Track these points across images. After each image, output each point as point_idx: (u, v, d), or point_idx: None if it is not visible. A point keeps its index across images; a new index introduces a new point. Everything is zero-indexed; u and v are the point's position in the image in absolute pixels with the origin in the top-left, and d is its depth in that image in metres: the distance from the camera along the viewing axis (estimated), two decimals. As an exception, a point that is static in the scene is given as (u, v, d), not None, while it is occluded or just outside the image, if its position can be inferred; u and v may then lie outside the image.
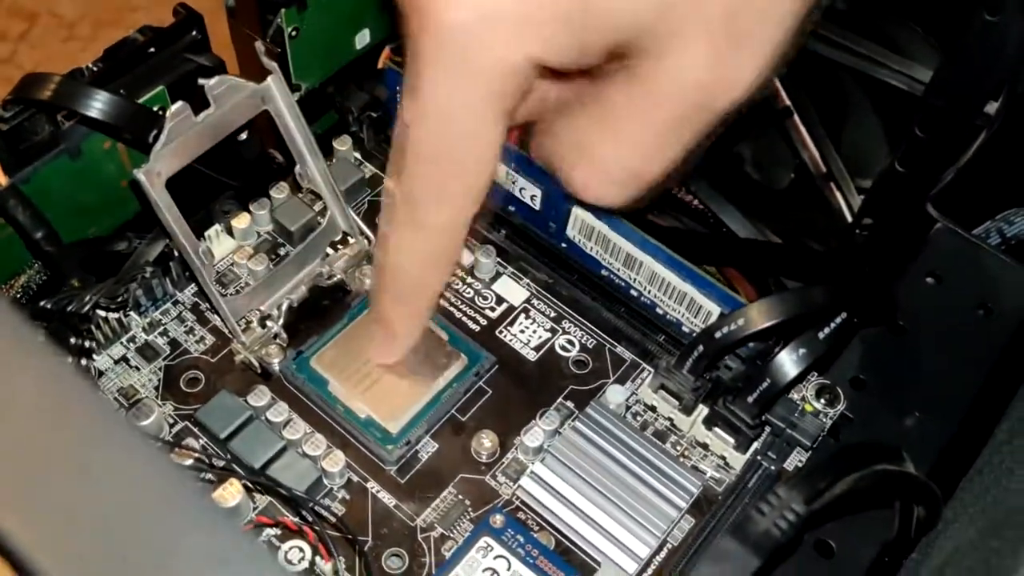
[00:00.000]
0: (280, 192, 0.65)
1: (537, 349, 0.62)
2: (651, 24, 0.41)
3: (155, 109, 0.59)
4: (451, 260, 0.52)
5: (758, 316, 0.53)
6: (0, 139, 0.53)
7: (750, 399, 0.55)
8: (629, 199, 0.51)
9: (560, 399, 0.60)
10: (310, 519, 0.53)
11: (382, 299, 0.54)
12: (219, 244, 0.63)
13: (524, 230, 0.65)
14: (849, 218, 0.76)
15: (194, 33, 0.61)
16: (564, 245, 0.64)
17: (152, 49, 0.60)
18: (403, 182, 0.47)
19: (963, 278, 0.67)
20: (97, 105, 0.52)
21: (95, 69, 0.58)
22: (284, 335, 0.60)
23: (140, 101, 0.58)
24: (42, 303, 0.54)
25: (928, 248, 0.69)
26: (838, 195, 0.75)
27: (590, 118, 0.48)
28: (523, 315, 0.63)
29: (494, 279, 0.64)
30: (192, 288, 0.62)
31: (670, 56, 0.43)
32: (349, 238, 0.65)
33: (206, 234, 0.63)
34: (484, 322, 0.62)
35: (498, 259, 0.65)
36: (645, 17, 0.41)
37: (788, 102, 0.74)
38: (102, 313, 0.58)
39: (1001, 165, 0.68)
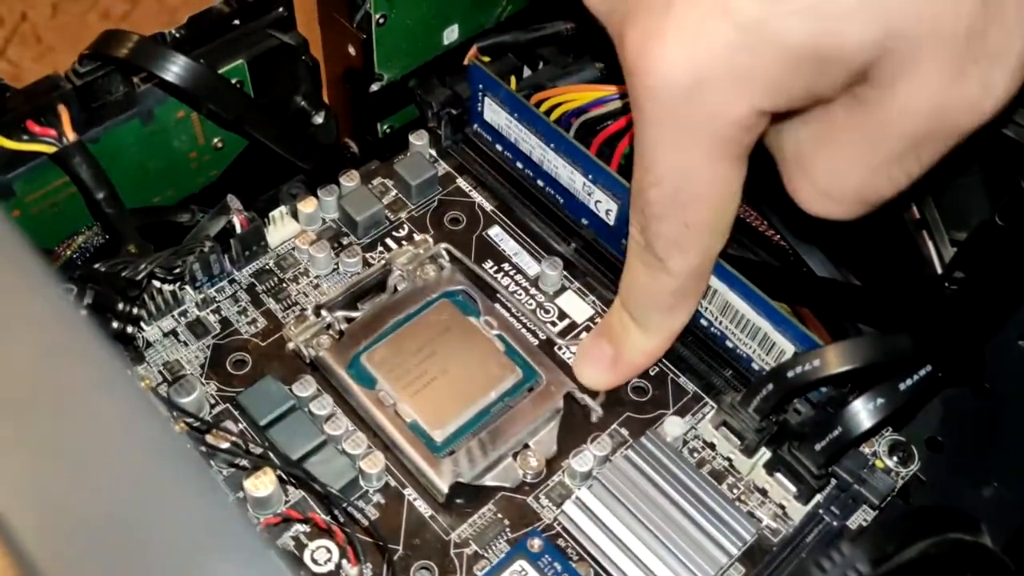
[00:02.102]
0: (350, 180, 0.63)
1: (596, 370, 0.59)
2: (881, 54, 0.39)
3: (233, 82, 0.58)
4: (699, 294, 0.53)
5: (836, 359, 0.50)
6: (73, 93, 0.52)
7: (817, 447, 0.51)
8: (853, 216, 0.48)
9: (615, 425, 0.57)
10: (341, 519, 0.51)
11: (626, 324, 0.54)
12: (283, 226, 0.62)
13: (595, 245, 0.62)
14: (939, 269, 0.72)
15: (280, 9, 0.59)
16: (636, 265, 0.61)
17: (236, 21, 0.58)
18: (648, 239, 0.48)
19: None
20: (175, 70, 0.51)
21: (177, 35, 0.57)
22: (337, 326, 0.58)
23: (220, 71, 0.57)
24: (96, 265, 0.53)
25: (1024, 310, 0.65)
26: (930, 244, 0.71)
27: (812, 134, 0.45)
28: (585, 333, 0.60)
29: (559, 293, 0.62)
30: (250, 269, 0.61)
31: (901, 82, 0.40)
32: (415, 235, 0.63)
33: (271, 215, 0.61)
34: (543, 336, 0.60)
35: (565, 272, 0.62)
36: (874, 50, 0.39)
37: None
38: (156, 284, 0.56)
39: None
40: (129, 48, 0.51)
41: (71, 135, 0.52)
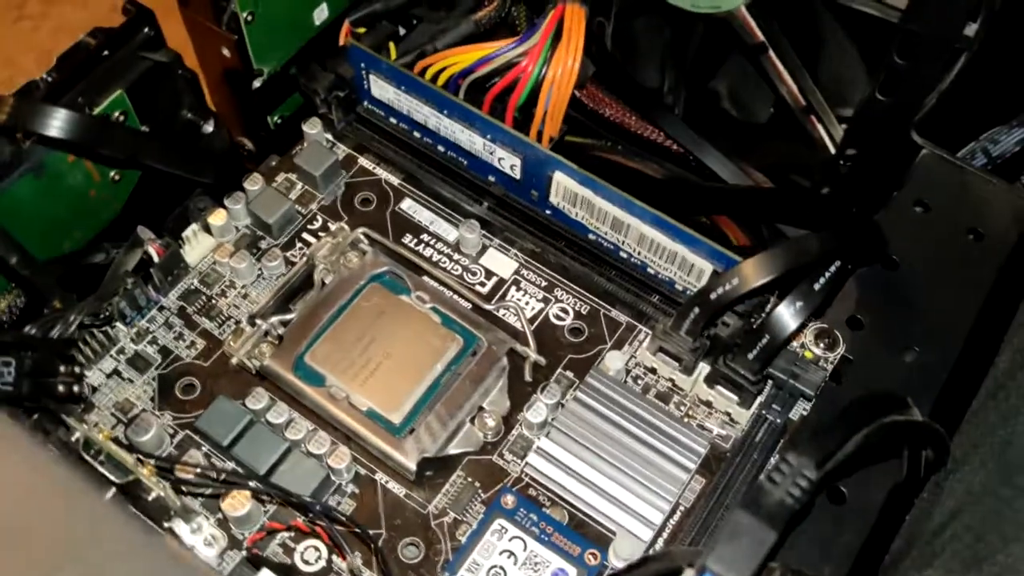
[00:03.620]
0: (254, 184, 0.63)
1: (531, 321, 0.61)
2: None
3: (116, 115, 0.57)
4: None
5: (752, 274, 0.53)
6: (-40, 167, 0.51)
7: (750, 356, 0.55)
8: None
9: (560, 370, 0.59)
10: (321, 520, 0.53)
11: None
12: (199, 243, 0.62)
13: (507, 200, 0.64)
14: (832, 150, 0.75)
15: (147, 30, 0.58)
16: (548, 212, 0.62)
17: (106, 52, 0.57)
18: None
19: (951, 204, 0.67)
20: (56, 124, 0.50)
21: (50, 79, 0.56)
22: (275, 332, 0.59)
23: (99, 108, 0.57)
24: (27, 328, 0.53)
25: (914, 176, 0.68)
26: (819, 127, 0.74)
27: None
28: (514, 287, 0.62)
29: (481, 253, 0.63)
30: (176, 292, 0.61)
31: None
32: (330, 225, 0.63)
33: (184, 235, 0.61)
34: (476, 298, 0.62)
35: (483, 232, 0.64)
36: None
37: (762, 37, 0.72)
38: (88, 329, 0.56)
39: (982, 85, 0.67)
40: (7, 112, 0.50)
41: (-33, 207, 0.51)
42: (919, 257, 0.64)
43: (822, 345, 0.58)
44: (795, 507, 0.43)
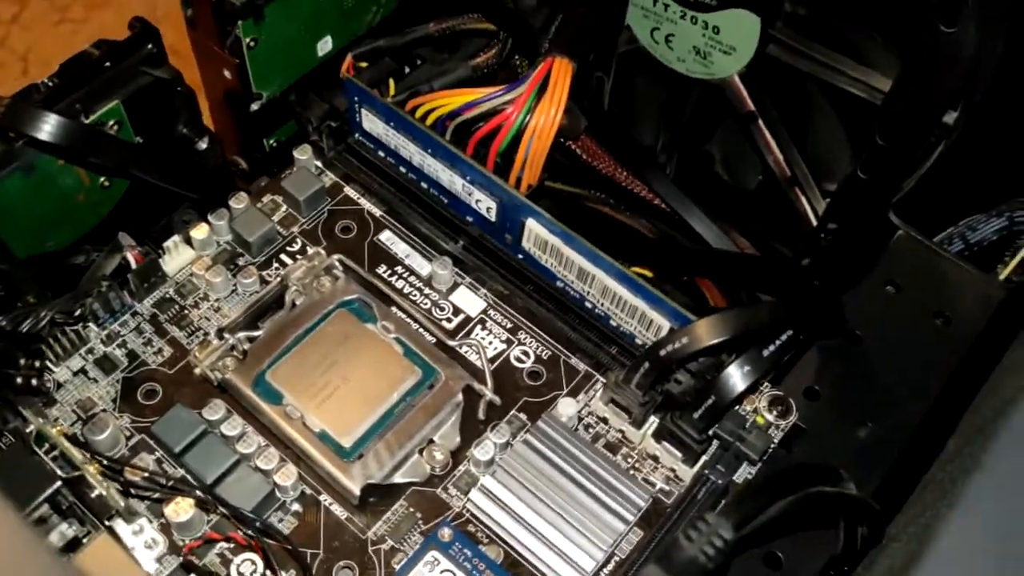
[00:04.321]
0: (239, 203, 0.65)
1: (492, 360, 0.62)
2: None
3: (109, 124, 0.60)
4: None
5: (703, 334, 0.54)
6: (-48, 158, 0.53)
7: (696, 415, 0.55)
8: None
9: (513, 411, 0.60)
10: (259, 536, 0.54)
11: None
12: (178, 254, 0.64)
13: (481, 241, 0.65)
14: (814, 222, 0.76)
15: (150, 46, 0.61)
16: (520, 256, 0.64)
17: (108, 63, 0.60)
18: None
19: (922, 286, 0.67)
20: (48, 129, 0.53)
21: (50, 84, 0.58)
22: (241, 347, 0.60)
23: (94, 116, 0.59)
24: (-3, 321, 0.54)
25: (889, 256, 0.69)
26: (803, 199, 0.75)
27: None
28: (479, 326, 0.64)
29: (451, 290, 0.65)
30: (150, 300, 0.63)
31: None
32: (308, 248, 0.65)
33: (165, 245, 0.63)
34: (440, 333, 0.63)
35: (456, 269, 0.65)
36: None
37: (752, 107, 0.73)
38: (60, 326, 0.58)
39: (963, 173, 0.68)
40: (1, 112, 0.52)
41: (-46, 198, 0.54)
42: (884, 335, 0.65)
43: (775, 412, 0.59)
44: (707, 566, 0.44)
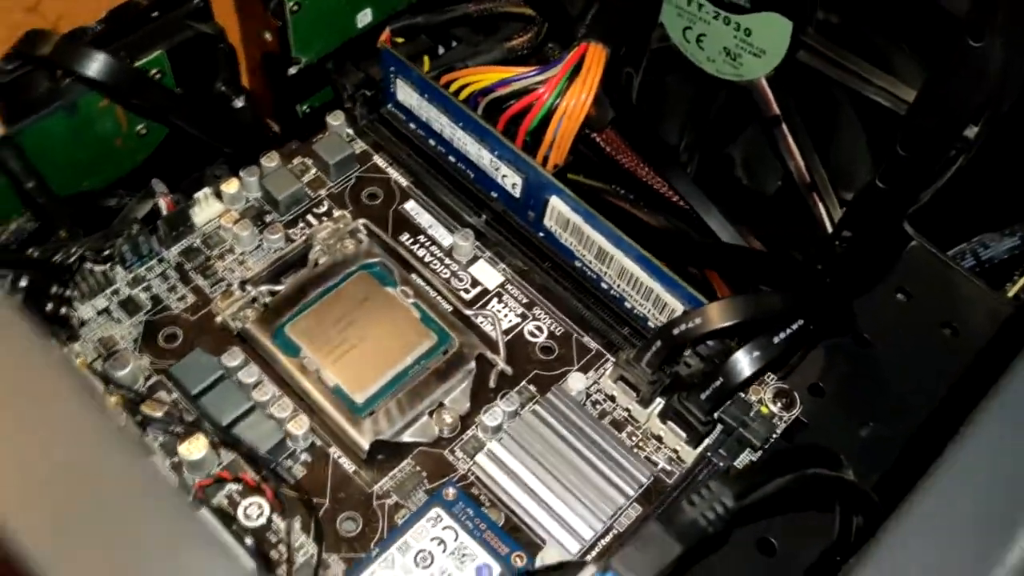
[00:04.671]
0: (270, 161, 0.67)
1: (506, 332, 0.63)
2: None
3: (152, 72, 0.61)
4: None
5: (716, 316, 0.55)
6: (-1, 90, 0.55)
7: (703, 396, 0.57)
8: None
9: (524, 382, 0.61)
10: (269, 478, 0.55)
11: None
12: (208, 206, 0.65)
13: (504, 216, 0.66)
14: (830, 229, 0.77)
15: (197, 0, 0.62)
16: (541, 234, 0.65)
17: (155, 13, 0.61)
18: None
19: (932, 296, 0.69)
20: (95, 67, 0.54)
21: (97, 29, 0.60)
22: (262, 300, 0.62)
23: (139, 63, 0.60)
24: (29, 251, 0.56)
25: (902, 265, 0.70)
26: (820, 206, 0.77)
27: None
28: (496, 299, 0.65)
29: (471, 262, 0.66)
30: (178, 248, 0.64)
31: None
32: (334, 211, 0.67)
33: (195, 196, 0.65)
34: (457, 302, 0.64)
35: (477, 243, 0.66)
36: None
37: (777, 111, 0.75)
38: (88, 265, 0.60)
39: (981, 189, 0.69)
40: (51, 47, 0.54)
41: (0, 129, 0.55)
42: (892, 340, 0.66)
43: (779, 404, 0.60)
44: (707, 529, 0.45)
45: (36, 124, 0.58)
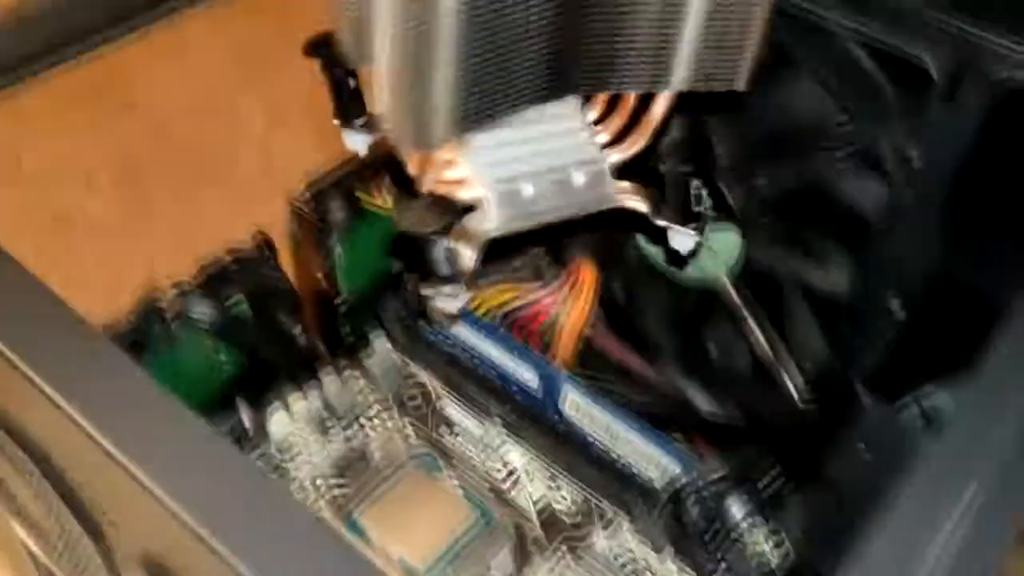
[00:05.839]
0: (327, 375, 0.81)
1: (536, 503, 0.76)
2: None
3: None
4: None
5: (708, 470, 0.68)
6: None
7: (704, 539, 0.69)
8: None
9: (556, 542, 0.73)
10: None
11: None
12: (278, 421, 0.78)
13: (524, 407, 0.80)
14: (796, 397, 0.91)
15: (267, 255, 0.78)
16: (557, 418, 0.79)
17: (236, 267, 0.77)
18: None
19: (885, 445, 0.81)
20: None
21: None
22: (331, 494, 0.74)
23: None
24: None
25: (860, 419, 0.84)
26: (785, 377, 0.91)
27: None
28: (524, 474, 0.78)
29: (500, 445, 0.79)
30: (255, 454, 0.77)
31: None
32: (384, 415, 0.80)
33: (267, 410, 0.78)
34: (493, 481, 0.77)
35: (503, 429, 0.80)
36: None
37: (739, 301, 0.90)
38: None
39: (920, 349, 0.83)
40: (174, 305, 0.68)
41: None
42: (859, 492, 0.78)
43: (771, 543, 0.72)
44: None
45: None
